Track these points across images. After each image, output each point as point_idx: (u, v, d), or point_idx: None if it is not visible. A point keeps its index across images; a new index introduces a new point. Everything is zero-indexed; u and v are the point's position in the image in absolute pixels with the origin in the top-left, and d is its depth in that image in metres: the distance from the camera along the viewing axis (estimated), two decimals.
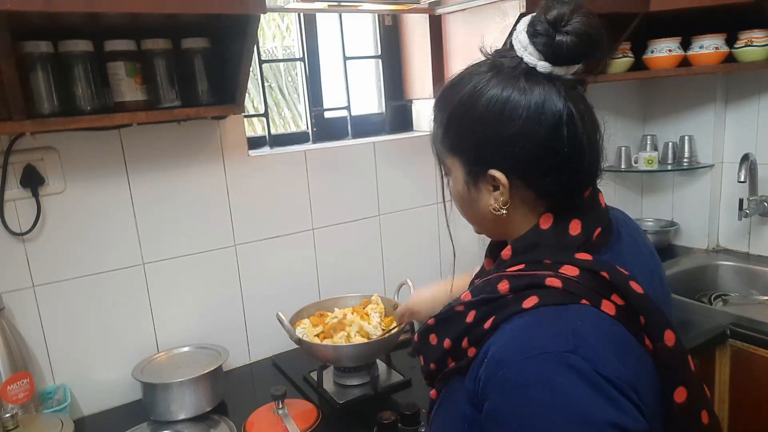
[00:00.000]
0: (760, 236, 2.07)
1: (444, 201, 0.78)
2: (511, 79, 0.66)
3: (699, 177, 2.15)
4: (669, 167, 2.15)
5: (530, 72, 0.66)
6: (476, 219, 0.76)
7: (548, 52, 0.65)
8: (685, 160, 2.14)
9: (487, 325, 0.65)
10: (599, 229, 0.70)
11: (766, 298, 1.91)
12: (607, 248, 0.70)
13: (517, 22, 1.50)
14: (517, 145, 0.66)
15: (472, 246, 0.94)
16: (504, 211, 0.70)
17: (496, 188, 0.69)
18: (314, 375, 1.39)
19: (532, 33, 0.65)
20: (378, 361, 1.42)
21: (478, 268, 0.96)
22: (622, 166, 2.22)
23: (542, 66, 0.65)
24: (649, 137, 2.22)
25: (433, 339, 0.73)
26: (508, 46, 0.69)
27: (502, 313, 0.64)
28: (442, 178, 0.77)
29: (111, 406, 1.37)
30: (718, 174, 2.13)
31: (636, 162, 2.19)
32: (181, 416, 1.26)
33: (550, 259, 0.66)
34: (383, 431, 1.07)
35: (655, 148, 2.22)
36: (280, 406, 1.18)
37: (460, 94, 0.70)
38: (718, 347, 1.57)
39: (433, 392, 0.77)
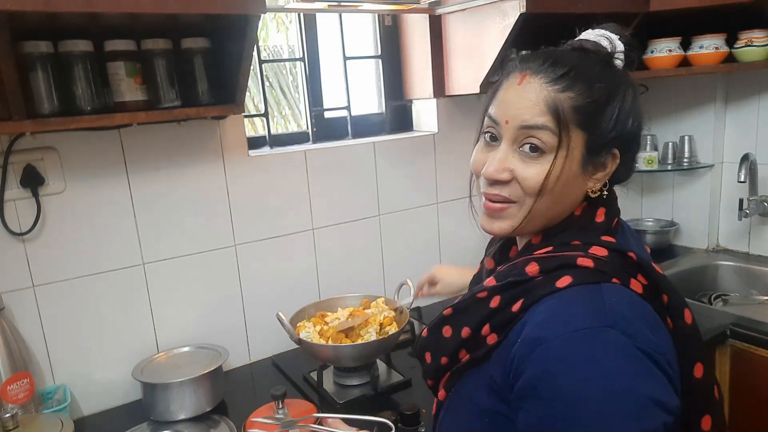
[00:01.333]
0: (760, 236, 2.07)
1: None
2: (626, 78, 0.74)
3: (699, 177, 2.15)
4: (669, 167, 2.15)
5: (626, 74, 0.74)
6: (559, 204, 0.71)
7: (629, 61, 0.76)
8: (685, 160, 2.14)
9: (516, 308, 0.66)
10: (616, 219, 0.74)
11: (766, 298, 1.91)
12: (618, 235, 0.74)
13: (517, 21, 1.51)
14: (637, 129, 0.72)
15: (479, 248, 0.93)
16: (605, 194, 0.72)
17: (604, 168, 0.72)
18: (314, 375, 1.39)
19: (625, 43, 0.75)
20: (378, 361, 1.42)
21: None
22: None
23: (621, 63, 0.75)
24: (649, 137, 2.22)
25: (447, 331, 0.72)
26: (612, 46, 0.74)
27: (532, 295, 0.65)
28: (556, 152, 0.68)
29: (111, 406, 1.37)
30: (718, 174, 2.13)
31: (636, 162, 2.19)
32: (181, 416, 1.26)
33: (580, 241, 0.69)
34: (383, 431, 1.07)
35: (655, 148, 2.22)
36: (280, 406, 1.18)
37: (606, 72, 0.71)
38: (718, 347, 1.57)
39: (441, 393, 0.76)
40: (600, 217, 0.72)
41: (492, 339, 0.67)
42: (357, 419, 0.87)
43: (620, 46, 0.72)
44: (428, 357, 0.75)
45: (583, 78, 0.68)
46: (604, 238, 0.69)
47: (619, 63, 0.73)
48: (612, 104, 0.69)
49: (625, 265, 0.66)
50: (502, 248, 0.83)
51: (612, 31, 0.73)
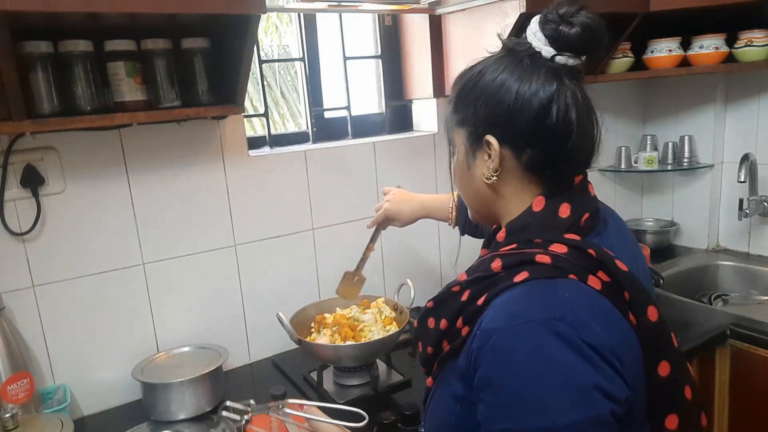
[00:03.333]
0: (760, 236, 2.07)
1: (451, 176, 0.84)
2: (517, 60, 0.73)
3: (699, 177, 2.15)
4: (669, 167, 2.15)
5: (535, 55, 0.73)
6: (472, 194, 0.81)
7: (553, 38, 0.72)
8: (685, 160, 2.14)
9: (480, 301, 0.69)
10: (587, 215, 0.74)
11: (766, 298, 1.91)
12: (595, 233, 0.75)
13: (517, 21, 1.51)
14: (510, 114, 0.72)
15: (474, 241, 0.94)
16: (495, 178, 0.75)
17: (489, 156, 0.75)
18: (314, 375, 1.39)
19: (543, 21, 0.73)
20: (378, 361, 1.42)
21: (456, 193, 1.12)
22: (622, 166, 2.22)
23: (546, 51, 0.72)
24: (649, 137, 2.22)
25: (431, 322, 0.76)
26: (523, 36, 0.76)
27: (494, 289, 0.68)
28: (450, 157, 0.83)
29: (111, 406, 1.37)
30: (718, 174, 2.13)
31: (636, 162, 2.19)
32: (181, 416, 1.26)
33: (541, 238, 0.71)
34: (383, 431, 1.07)
35: (655, 148, 2.22)
36: (281, 406, 1.18)
37: (471, 72, 0.77)
38: (718, 347, 1.57)
39: (429, 380, 0.80)
40: (564, 212, 0.73)
41: (465, 331, 0.70)
42: (330, 407, 0.88)
43: (534, 27, 0.74)
44: (420, 346, 0.80)
45: (454, 85, 0.79)
46: (568, 235, 0.71)
47: (536, 45, 0.73)
48: (475, 93, 0.75)
49: (586, 261, 0.68)
50: (489, 240, 0.88)
51: (542, 13, 0.75)
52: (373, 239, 1.43)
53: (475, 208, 0.83)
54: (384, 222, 1.42)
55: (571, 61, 0.72)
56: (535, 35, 0.73)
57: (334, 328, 1.38)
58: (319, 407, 0.87)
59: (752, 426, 1.56)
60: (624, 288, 0.67)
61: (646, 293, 0.69)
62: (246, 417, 0.86)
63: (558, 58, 0.72)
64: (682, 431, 0.70)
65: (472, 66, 0.78)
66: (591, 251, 0.68)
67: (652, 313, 0.68)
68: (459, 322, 0.71)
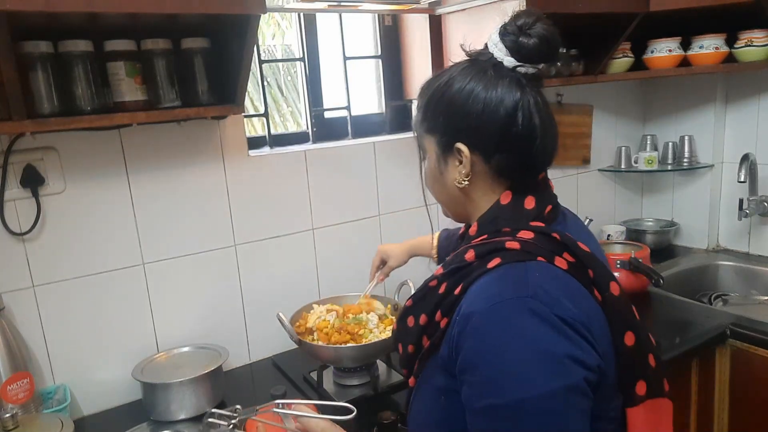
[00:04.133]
0: (760, 236, 2.07)
1: (424, 192, 0.90)
2: (481, 70, 0.78)
3: (699, 177, 2.15)
4: (669, 167, 2.15)
5: (498, 65, 0.77)
6: (444, 196, 0.86)
7: (514, 49, 0.76)
8: (685, 160, 2.14)
9: (457, 291, 0.73)
10: (550, 207, 0.80)
11: (766, 298, 1.91)
12: (556, 223, 0.81)
13: None
14: (479, 123, 0.76)
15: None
16: (466, 182, 0.79)
17: (460, 162, 0.79)
18: (314, 375, 1.39)
19: (503, 33, 0.77)
20: (378, 361, 1.42)
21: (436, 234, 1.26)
22: (622, 166, 2.22)
23: (508, 61, 0.76)
24: (649, 137, 2.22)
25: (410, 321, 0.80)
26: (484, 46, 0.80)
27: (470, 278, 0.73)
28: (420, 162, 0.87)
29: (111, 406, 1.37)
30: (718, 174, 2.13)
31: (636, 162, 2.19)
32: (181, 416, 1.27)
33: (509, 227, 0.77)
34: (383, 431, 1.07)
35: (655, 148, 2.22)
36: (281, 406, 1.18)
37: (438, 81, 0.81)
38: (718, 347, 1.57)
39: (411, 380, 0.83)
40: (530, 204, 0.78)
41: (443, 323, 0.74)
42: (320, 404, 0.89)
43: (495, 39, 0.77)
44: (400, 347, 0.83)
45: (421, 93, 0.83)
46: (533, 223, 0.76)
47: (498, 55, 0.77)
48: (443, 103, 0.79)
49: (551, 245, 0.73)
50: (462, 237, 0.93)
51: (501, 25, 0.78)
52: (374, 284, 1.50)
53: (448, 209, 0.88)
54: (380, 262, 1.50)
55: (531, 70, 0.77)
56: (496, 46, 0.77)
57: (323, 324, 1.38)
58: (306, 404, 0.87)
59: (752, 426, 1.56)
60: (587, 266, 0.72)
61: (607, 270, 0.74)
62: (234, 422, 0.86)
63: (519, 68, 0.76)
64: (649, 396, 0.75)
65: (439, 75, 0.83)
66: (555, 235, 0.74)
67: (615, 288, 0.73)
68: (437, 315, 0.75)
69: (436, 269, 0.81)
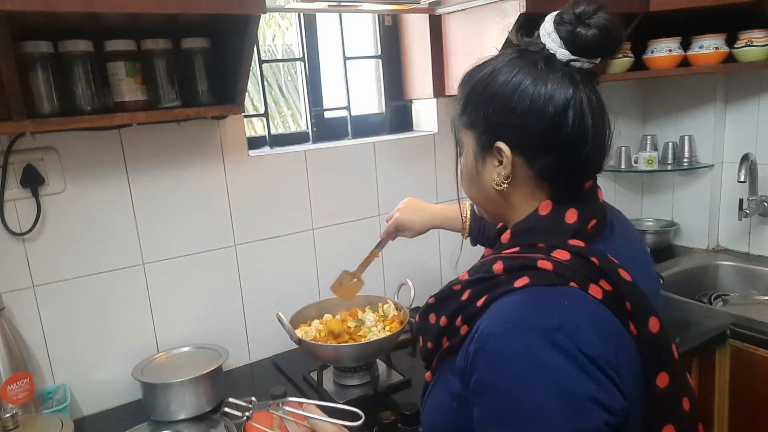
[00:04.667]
0: (760, 236, 2.07)
1: (458, 187, 0.83)
2: (531, 63, 0.70)
3: (699, 177, 2.15)
4: (669, 167, 2.15)
5: (550, 57, 0.70)
6: (480, 197, 0.79)
7: (569, 41, 0.69)
8: (685, 160, 2.14)
9: (480, 303, 0.68)
10: (594, 221, 0.73)
11: (766, 298, 1.91)
12: (601, 239, 0.73)
13: (517, 21, 1.51)
14: (524, 121, 0.69)
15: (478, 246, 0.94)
16: (505, 185, 0.73)
17: (500, 162, 0.72)
18: (314, 375, 1.39)
19: (558, 21, 0.70)
20: (378, 361, 1.42)
21: (467, 202, 1.10)
22: (622, 166, 2.22)
23: (562, 53, 0.69)
24: (649, 137, 2.22)
25: (432, 318, 0.77)
26: (536, 35, 0.72)
27: (494, 292, 0.68)
28: (456, 158, 0.81)
29: (111, 406, 1.37)
30: (718, 174, 2.13)
31: (636, 162, 2.19)
32: (181, 416, 1.26)
33: (544, 243, 0.70)
34: (383, 431, 1.07)
35: (655, 148, 2.22)
36: (281, 406, 1.18)
37: (481, 72, 0.74)
38: (718, 347, 1.57)
39: (428, 374, 0.80)
40: (571, 218, 0.72)
41: (464, 330, 0.70)
42: (329, 406, 0.89)
43: (549, 28, 0.70)
44: (420, 340, 0.80)
45: (463, 83, 0.76)
46: (572, 241, 0.69)
47: (551, 47, 0.70)
48: (486, 96, 0.72)
49: (587, 269, 0.66)
50: (494, 238, 0.86)
51: (558, 12, 0.71)
52: (379, 245, 1.40)
53: (484, 209, 0.82)
54: (394, 232, 1.37)
55: (587, 65, 0.70)
56: (549, 36, 0.70)
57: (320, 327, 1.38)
58: (317, 405, 0.87)
59: (752, 426, 1.56)
60: (626, 298, 0.66)
61: (648, 304, 0.68)
62: (247, 413, 0.87)
63: (574, 62, 0.70)
64: None
65: (482, 64, 0.75)
66: (594, 259, 0.67)
67: (654, 325, 0.67)
68: (458, 320, 0.71)
69: (462, 273, 0.76)
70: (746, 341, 1.53)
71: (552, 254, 0.68)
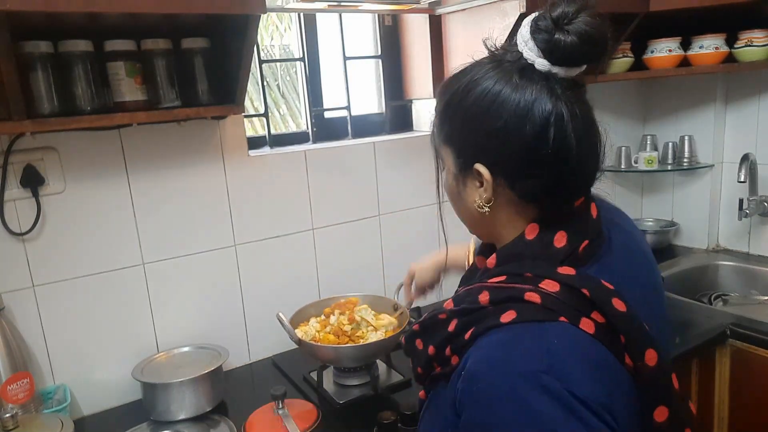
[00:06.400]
0: (760, 236, 2.07)
1: (439, 192, 0.78)
2: (506, 74, 0.65)
3: (699, 177, 2.15)
4: (669, 167, 2.15)
5: (527, 68, 0.65)
6: (465, 216, 0.76)
7: (547, 50, 0.63)
8: (685, 160, 2.14)
9: (467, 336, 0.65)
10: (586, 242, 0.68)
11: (766, 298, 1.91)
12: (595, 260, 0.69)
13: (518, 21, 1.50)
14: (501, 141, 0.65)
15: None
16: (487, 209, 0.69)
17: (481, 184, 0.68)
18: (314, 375, 1.39)
19: (535, 29, 0.64)
20: (378, 361, 1.42)
21: (472, 240, 1.06)
22: (622, 166, 2.22)
23: (540, 63, 0.64)
24: (649, 137, 2.22)
25: (419, 344, 0.74)
26: (513, 41, 0.67)
27: (480, 326, 0.64)
28: (437, 171, 0.76)
29: (111, 406, 1.37)
30: (718, 174, 2.13)
31: (636, 162, 2.19)
32: (181, 416, 1.26)
33: (532, 272, 0.65)
34: (383, 431, 1.07)
35: (655, 148, 2.22)
36: (280, 406, 1.18)
37: (457, 84, 0.69)
38: (718, 347, 1.57)
39: (422, 393, 0.78)
40: (560, 242, 0.67)
41: (455, 360, 0.67)
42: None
43: (525, 35, 0.64)
44: (411, 362, 0.77)
45: (439, 95, 0.72)
46: (562, 269, 0.65)
47: (528, 56, 0.65)
48: (461, 111, 0.68)
49: (577, 303, 0.62)
50: (487, 251, 0.81)
51: (533, 18, 0.65)
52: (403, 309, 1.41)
53: (472, 230, 0.78)
54: (408, 278, 1.34)
55: (568, 74, 0.64)
56: (526, 44, 0.64)
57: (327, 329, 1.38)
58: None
59: (752, 426, 1.56)
60: (619, 331, 0.62)
61: (644, 335, 0.63)
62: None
63: (554, 71, 0.64)
64: None
65: (458, 75, 0.70)
66: (585, 291, 0.62)
67: (651, 358, 0.63)
68: (447, 350, 0.68)
69: (446, 301, 0.72)
70: (746, 341, 1.53)
71: (540, 285, 0.63)
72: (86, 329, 1.33)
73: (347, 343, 1.32)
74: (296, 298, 1.52)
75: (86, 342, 1.33)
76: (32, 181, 1.23)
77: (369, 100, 1.89)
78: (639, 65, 1.93)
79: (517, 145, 0.64)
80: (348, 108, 1.81)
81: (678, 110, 2.18)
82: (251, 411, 1.25)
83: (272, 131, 1.69)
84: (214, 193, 1.46)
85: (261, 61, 1.63)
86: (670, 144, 2.16)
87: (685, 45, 1.87)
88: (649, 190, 2.35)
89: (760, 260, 2.04)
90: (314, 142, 1.75)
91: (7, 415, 1.08)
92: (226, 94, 1.28)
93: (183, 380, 1.25)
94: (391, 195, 1.74)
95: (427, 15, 1.73)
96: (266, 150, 1.63)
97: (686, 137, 2.13)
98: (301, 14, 1.68)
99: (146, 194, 1.36)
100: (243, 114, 1.44)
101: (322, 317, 1.43)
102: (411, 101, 1.91)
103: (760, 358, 1.50)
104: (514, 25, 1.45)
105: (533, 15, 0.66)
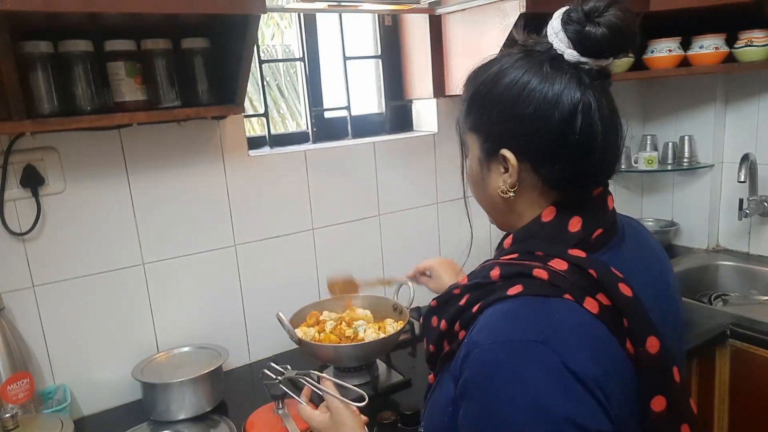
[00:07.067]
0: (760, 236, 2.07)
1: (464, 182, 0.80)
2: (537, 64, 0.67)
3: (699, 177, 2.15)
4: (669, 167, 2.15)
5: (556, 59, 0.67)
6: (486, 203, 0.77)
7: (577, 40, 0.65)
8: (685, 160, 2.14)
9: (475, 309, 0.67)
10: (600, 231, 0.70)
11: (766, 298, 1.91)
12: (608, 249, 0.70)
13: (518, 21, 1.51)
14: (529, 127, 0.67)
15: (484, 242, 0.94)
16: (512, 194, 0.71)
17: (506, 170, 0.70)
18: None
19: (566, 20, 0.66)
20: (378, 361, 1.42)
21: None
22: (622, 166, 2.22)
23: (570, 54, 0.66)
24: (649, 137, 2.22)
25: (434, 321, 0.75)
26: (544, 33, 0.69)
27: (488, 299, 0.66)
28: (462, 159, 0.79)
29: (111, 406, 1.37)
30: (718, 174, 2.13)
31: (636, 162, 2.19)
32: (181, 416, 1.27)
33: (543, 251, 0.68)
34: (383, 431, 1.07)
35: (655, 148, 2.22)
36: (280, 406, 1.18)
37: (486, 73, 0.71)
38: (718, 347, 1.57)
39: (431, 377, 0.79)
40: (575, 226, 0.69)
41: (462, 335, 0.68)
42: (338, 382, 0.98)
43: (556, 26, 0.67)
44: (425, 342, 0.79)
45: (467, 84, 0.74)
46: (572, 251, 0.67)
47: (558, 47, 0.67)
48: (490, 99, 0.70)
49: (585, 282, 0.64)
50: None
51: (565, 10, 0.67)
52: (392, 280, 1.41)
53: (491, 216, 0.79)
54: (421, 271, 1.29)
55: (597, 66, 0.67)
56: (557, 35, 0.66)
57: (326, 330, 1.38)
58: (333, 382, 0.95)
59: (752, 426, 1.56)
60: (623, 314, 0.63)
61: (648, 322, 0.64)
62: (280, 378, 1.03)
63: (583, 63, 0.66)
64: None
65: (487, 64, 0.73)
66: (592, 272, 0.64)
67: (652, 345, 0.63)
68: (456, 325, 0.70)
69: (462, 277, 0.75)
70: (746, 341, 1.53)
71: (549, 263, 0.65)
72: (86, 329, 1.33)
73: (347, 342, 1.32)
74: (296, 298, 1.52)
75: (86, 342, 1.33)
76: (32, 181, 1.23)
77: (369, 100, 1.89)
78: (639, 65, 1.93)
79: (545, 132, 0.66)
80: (348, 108, 1.81)
81: (678, 110, 2.18)
82: (251, 411, 1.25)
83: (272, 131, 1.69)
84: (214, 193, 1.46)
85: (261, 61, 1.63)
86: (670, 144, 2.16)
87: (685, 45, 1.87)
88: (649, 190, 2.35)
89: (760, 260, 2.04)
90: (314, 142, 1.74)
91: (7, 415, 1.08)
92: (226, 94, 1.29)
93: (183, 380, 1.25)
94: (391, 195, 1.74)
95: (427, 15, 1.73)
96: (266, 150, 1.63)
97: (686, 137, 2.13)
98: (301, 14, 1.68)
99: (146, 194, 1.37)
100: (243, 114, 1.44)
101: (325, 313, 1.44)
102: (411, 101, 1.91)
103: (760, 358, 1.50)
104: (514, 25, 1.45)
105: (564, 8, 0.68)
